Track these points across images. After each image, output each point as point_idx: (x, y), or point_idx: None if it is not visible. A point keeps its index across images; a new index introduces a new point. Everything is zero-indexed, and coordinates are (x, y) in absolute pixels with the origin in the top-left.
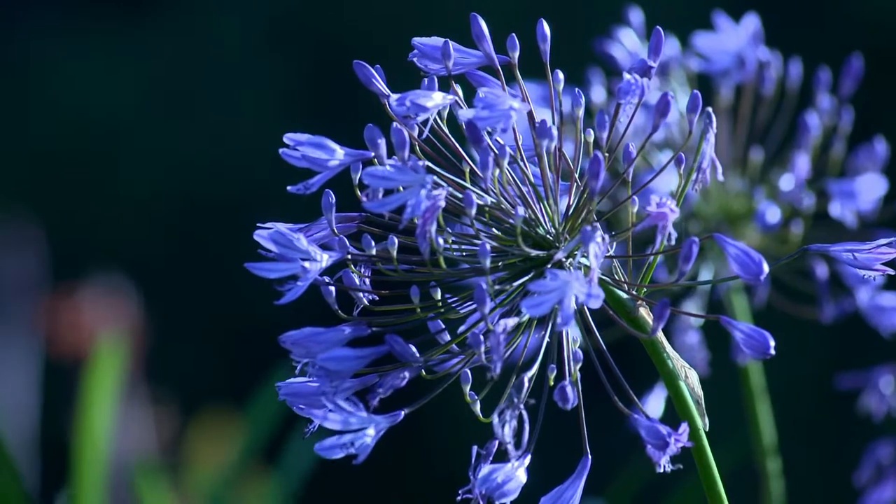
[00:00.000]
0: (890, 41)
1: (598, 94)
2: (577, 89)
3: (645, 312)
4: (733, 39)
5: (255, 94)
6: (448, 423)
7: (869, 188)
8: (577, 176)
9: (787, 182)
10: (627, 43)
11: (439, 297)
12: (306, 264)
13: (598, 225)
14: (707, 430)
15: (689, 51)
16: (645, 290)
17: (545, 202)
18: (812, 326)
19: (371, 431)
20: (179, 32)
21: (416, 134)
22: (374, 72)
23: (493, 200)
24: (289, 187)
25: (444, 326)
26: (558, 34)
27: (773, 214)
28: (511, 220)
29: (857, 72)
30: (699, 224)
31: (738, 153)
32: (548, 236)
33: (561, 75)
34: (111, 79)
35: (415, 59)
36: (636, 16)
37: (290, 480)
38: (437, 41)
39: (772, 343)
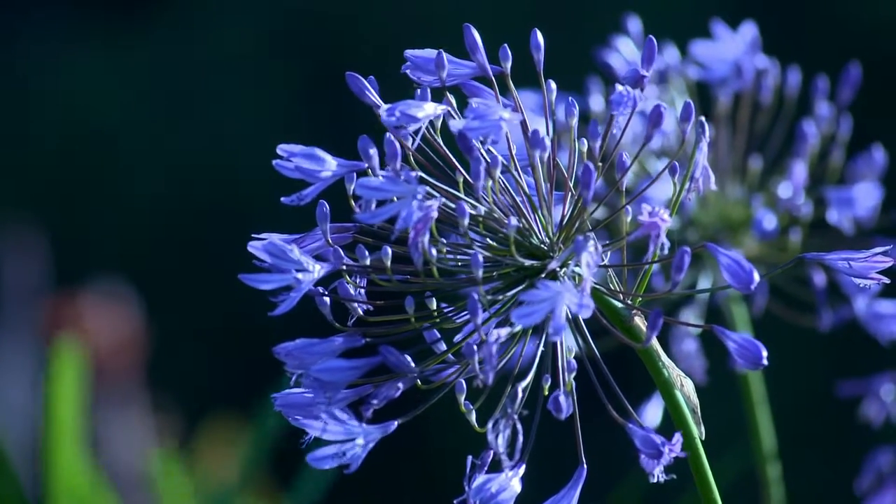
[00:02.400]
0: (889, 49)
1: (597, 102)
2: (570, 98)
3: (640, 321)
4: (731, 48)
5: (256, 99)
6: (453, 433)
7: (866, 196)
8: (571, 185)
9: (785, 190)
10: (625, 52)
11: (434, 307)
12: (299, 275)
13: (591, 234)
14: (703, 439)
15: (688, 59)
16: (640, 299)
17: (539, 212)
18: (812, 334)
19: (360, 441)
20: (180, 38)
21: (409, 144)
22: (366, 83)
23: (487, 210)
24: (283, 199)
25: (439, 336)
26: (559, 42)
27: (770, 222)
28: (504, 230)
29: (855, 80)
30: (697, 232)
31: (737, 161)
32: (542, 246)
33: (553, 85)
34: (112, 84)
35: (408, 71)
36: (635, 25)
37: (305, 496)
38: (430, 53)
39: (764, 353)
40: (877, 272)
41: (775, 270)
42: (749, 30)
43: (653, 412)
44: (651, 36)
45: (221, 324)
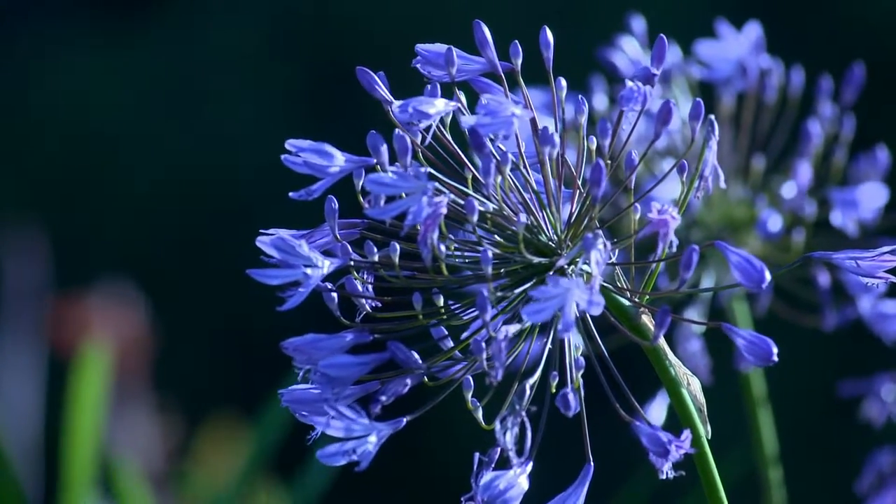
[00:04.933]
0: (892, 49)
1: (601, 101)
2: (580, 96)
3: (647, 319)
4: (735, 47)
5: (256, 99)
6: (458, 427)
7: (870, 196)
8: (579, 183)
9: (788, 190)
10: (629, 51)
11: (442, 303)
12: (308, 271)
13: (599, 232)
14: (709, 437)
15: (691, 58)
16: (647, 297)
17: (547, 209)
18: (814, 334)
19: (373, 438)
20: (181, 36)
21: (418, 140)
22: (376, 78)
23: (496, 207)
24: (291, 193)
25: (446, 333)
26: (561, 41)
27: (775, 222)
28: (513, 227)
29: (858, 80)
30: (701, 231)
31: (740, 161)
32: (550, 243)
33: (564, 82)
34: (113, 84)
35: (418, 66)
36: (638, 24)
37: (308, 492)
38: (441, 48)
39: (775, 350)
40: (885, 271)
41: (782, 270)
42: (753, 29)
43: (657, 410)
44: (662, 35)
45: (223, 324)
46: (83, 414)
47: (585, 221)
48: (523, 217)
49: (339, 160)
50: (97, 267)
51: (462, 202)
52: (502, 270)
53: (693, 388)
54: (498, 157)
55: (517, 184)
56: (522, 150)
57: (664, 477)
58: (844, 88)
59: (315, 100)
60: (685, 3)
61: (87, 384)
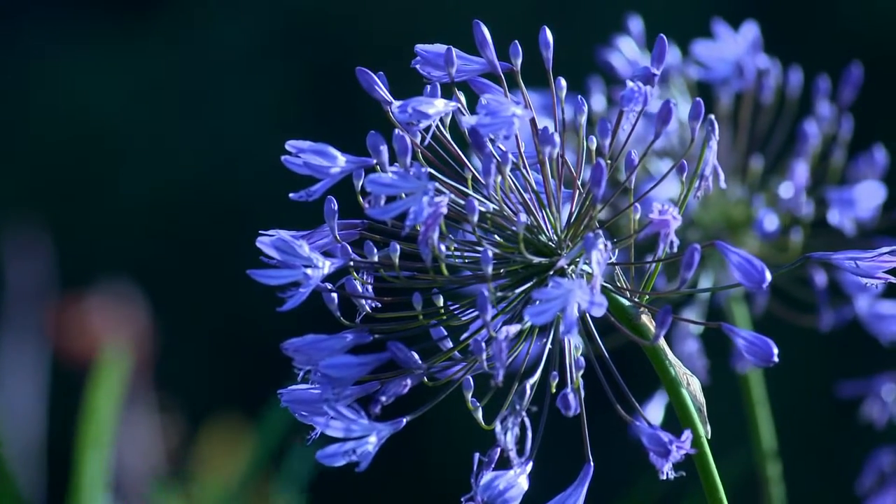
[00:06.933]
0: (890, 49)
1: (598, 102)
2: (579, 97)
3: (647, 319)
4: (732, 47)
5: (256, 99)
6: (455, 429)
7: (868, 196)
8: (579, 183)
9: (786, 190)
10: (627, 51)
11: (442, 303)
12: (308, 271)
13: (600, 232)
14: (709, 437)
15: (689, 59)
16: (647, 297)
17: (547, 209)
18: (811, 334)
19: (373, 439)
20: (181, 36)
21: (418, 141)
22: (376, 78)
23: (496, 207)
24: (291, 194)
25: (446, 333)
26: (557, 41)
27: (772, 222)
28: (513, 228)
29: (856, 80)
30: (699, 232)
31: (738, 161)
32: (550, 243)
33: (563, 83)
34: (113, 84)
35: (417, 66)
36: (636, 25)
37: (294, 487)
38: (440, 48)
39: (775, 350)
40: (884, 272)
41: (782, 270)
42: (750, 29)
43: (654, 411)
44: (662, 35)
45: (223, 324)
46: (98, 420)
47: (585, 221)
48: (523, 217)
49: (340, 161)
50: (97, 267)
51: (462, 202)
52: (502, 270)
53: (693, 387)
54: (498, 158)
55: (517, 184)
56: (522, 151)
57: (664, 477)
58: (842, 88)
59: (315, 100)
60: (682, 4)
61: (104, 391)
